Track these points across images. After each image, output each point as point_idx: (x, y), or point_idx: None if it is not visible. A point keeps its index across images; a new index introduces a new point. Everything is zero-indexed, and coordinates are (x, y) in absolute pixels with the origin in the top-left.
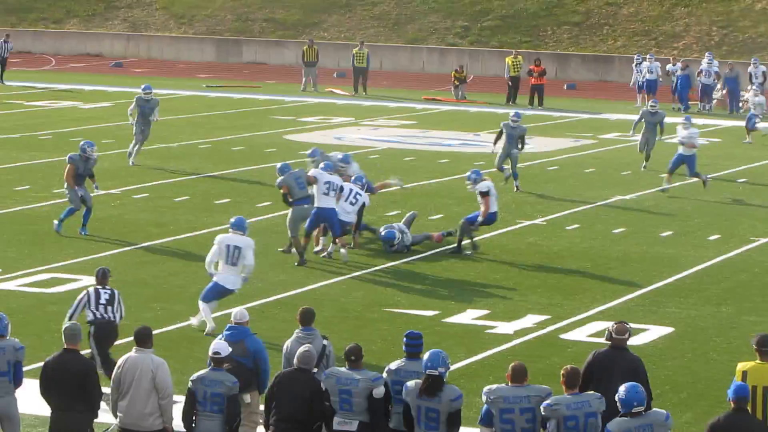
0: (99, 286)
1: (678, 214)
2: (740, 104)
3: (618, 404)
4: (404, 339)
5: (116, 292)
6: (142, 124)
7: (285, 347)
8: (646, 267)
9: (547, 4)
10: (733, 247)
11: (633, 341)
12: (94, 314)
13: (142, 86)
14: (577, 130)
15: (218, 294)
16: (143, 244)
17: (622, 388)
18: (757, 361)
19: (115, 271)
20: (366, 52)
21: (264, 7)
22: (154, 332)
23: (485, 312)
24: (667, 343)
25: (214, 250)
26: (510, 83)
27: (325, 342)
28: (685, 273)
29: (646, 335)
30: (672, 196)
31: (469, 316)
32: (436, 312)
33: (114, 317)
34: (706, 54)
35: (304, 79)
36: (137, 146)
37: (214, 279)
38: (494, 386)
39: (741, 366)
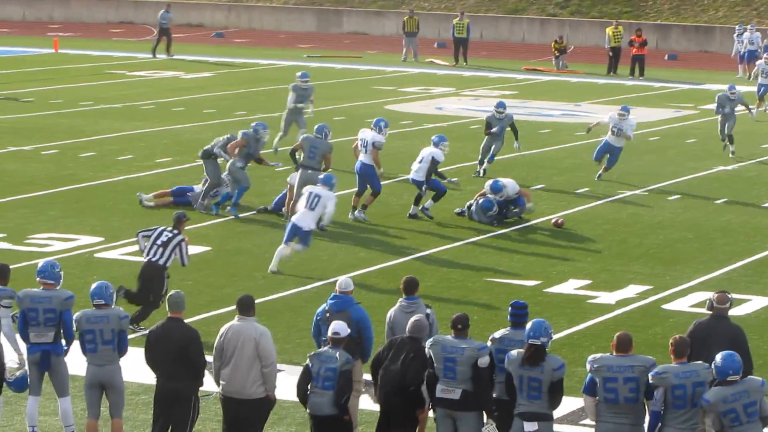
0: (168, 227)
1: None
2: None
3: (714, 372)
4: (509, 308)
5: (179, 238)
6: (294, 114)
7: (389, 316)
8: (749, 237)
9: None
10: None
11: (735, 311)
12: (147, 252)
13: (299, 74)
14: (678, 101)
15: (292, 232)
16: (246, 214)
17: (718, 357)
18: None
19: (216, 240)
20: (466, 22)
21: None
22: (257, 301)
23: (587, 282)
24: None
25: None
26: (611, 54)
27: (428, 311)
28: None
29: (748, 306)
30: None
31: (570, 286)
32: (538, 282)
33: (160, 260)
34: None
35: (404, 50)
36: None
37: (291, 220)
38: (599, 355)
39: None
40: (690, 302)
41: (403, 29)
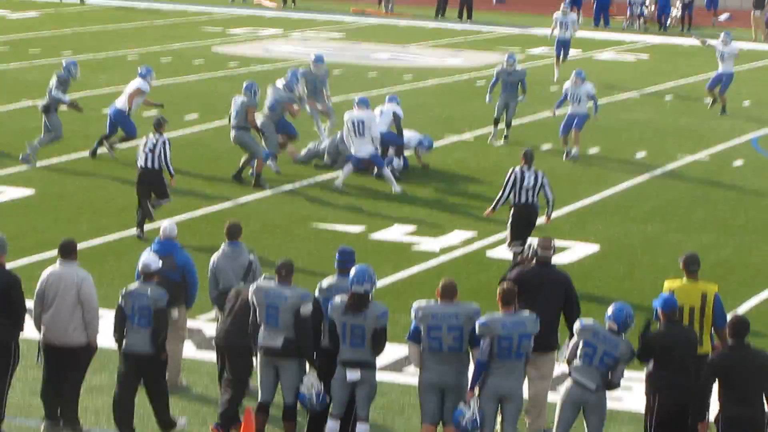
0: (151, 134)
1: (606, 130)
2: (668, 20)
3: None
4: (336, 255)
5: (162, 139)
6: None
7: (212, 262)
8: (573, 184)
9: None
10: (660, 165)
11: (559, 259)
12: (142, 161)
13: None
14: (507, 44)
15: (355, 166)
16: (70, 156)
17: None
18: (684, 280)
19: (40, 183)
20: None
21: None
22: (80, 246)
23: (412, 228)
24: (592, 261)
25: (345, 132)
26: None
27: (251, 257)
28: (611, 191)
29: (571, 253)
30: (601, 114)
31: (396, 232)
32: (363, 227)
33: (154, 165)
34: None
35: None
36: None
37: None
38: (423, 302)
39: (668, 284)
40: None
41: None
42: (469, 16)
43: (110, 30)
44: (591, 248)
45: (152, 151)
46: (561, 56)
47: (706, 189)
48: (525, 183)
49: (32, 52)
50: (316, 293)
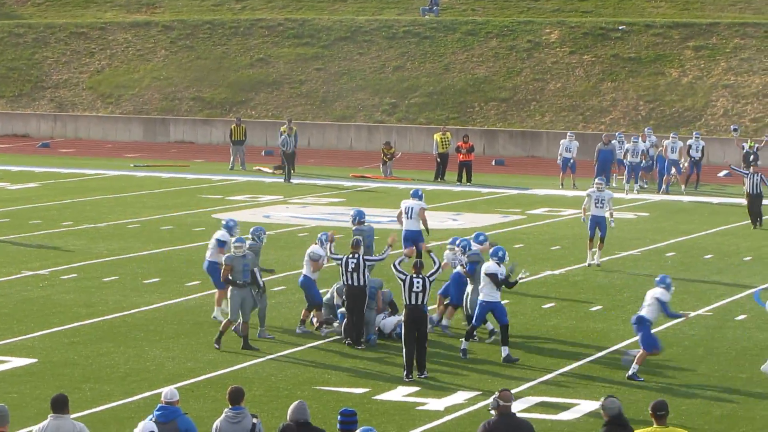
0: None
1: (608, 288)
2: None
3: None
4: (338, 416)
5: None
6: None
7: (214, 427)
8: (577, 341)
9: (474, 81)
10: (663, 321)
11: (564, 416)
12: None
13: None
14: (506, 206)
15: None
16: (72, 325)
17: None
18: (655, 426)
19: (44, 352)
20: (295, 129)
21: (191, 86)
22: (84, 413)
23: (415, 389)
24: (595, 419)
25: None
26: (438, 159)
27: (255, 420)
28: (615, 347)
29: (572, 412)
30: (602, 270)
31: (399, 393)
32: (367, 389)
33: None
34: (646, 129)
35: (232, 158)
36: None
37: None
38: None
39: None
40: (521, 407)
41: (231, 137)
42: (469, 180)
43: (110, 199)
44: (595, 405)
45: (356, 269)
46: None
47: (710, 343)
48: None
49: (32, 223)
50: None
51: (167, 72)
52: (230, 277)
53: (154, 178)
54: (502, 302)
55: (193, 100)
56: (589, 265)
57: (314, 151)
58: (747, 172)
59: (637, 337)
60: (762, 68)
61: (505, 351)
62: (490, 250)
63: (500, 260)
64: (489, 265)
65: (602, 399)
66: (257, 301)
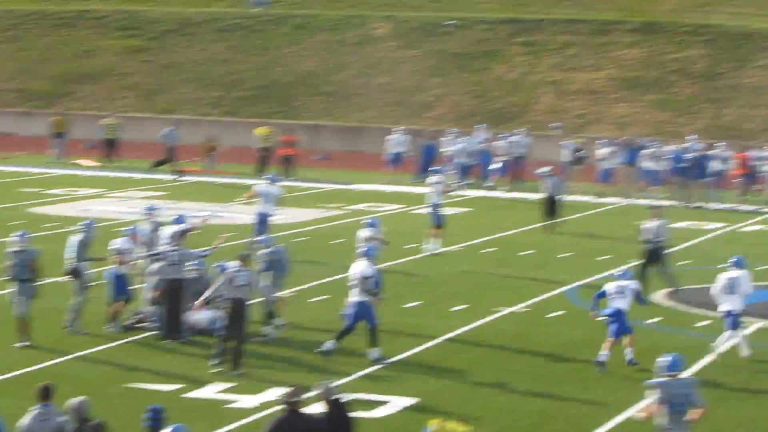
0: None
1: (425, 283)
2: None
3: None
4: (146, 413)
5: None
6: None
7: (22, 424)
8: (392, 337)
9: (301, 75)
10: (478, 317)
11: (376, 412)
12: None
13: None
14: (327, 201)
15: None
16: None
17: None
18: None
19: None
20: (117, 122)
21: (14, 77)
22: None
23: (229, 385)
24: (410, 415)
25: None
26: (262, 154)
27: (63, 418)
28: (430, 343)
29: (390, 406)
30: (421, 265)
31: (211, 390)
32: (178, 386)
33: None
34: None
35: (53, 151)
36: None
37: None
38: None
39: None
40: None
41: (52, 130)
42: (293, 173)
43: None
44: (409, 401)
45: None
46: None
47: (524, 340)
48: None
49: None
50: None
51: None
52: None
53: None
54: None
55: (16, 91)
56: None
57: (138, 143)
58: (548, 173)
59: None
60: (587, 65)
61: (375, 353)
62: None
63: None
64: (364, 269)
65: (323, 385)
66: (77, 293)
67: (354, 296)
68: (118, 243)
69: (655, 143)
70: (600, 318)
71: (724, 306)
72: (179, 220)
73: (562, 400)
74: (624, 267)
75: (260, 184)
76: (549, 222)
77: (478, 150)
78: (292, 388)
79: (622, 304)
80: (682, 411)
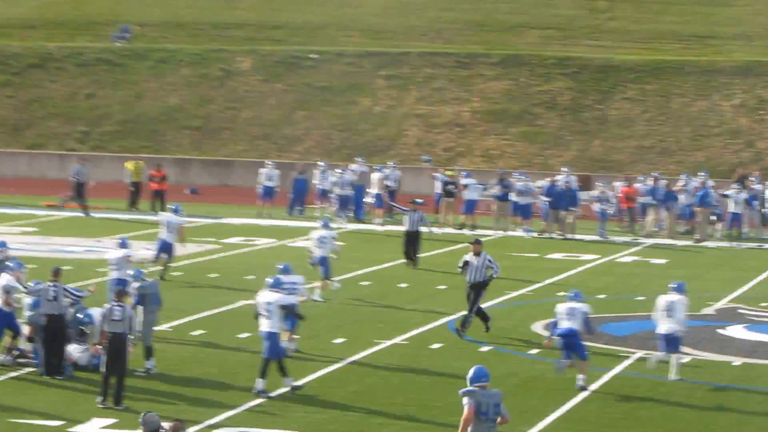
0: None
1: (305, 317)
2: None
3: None
4: None
5: None
6: None
7: None
8: (272, 373)
9: (166, 109)
10: (359, 350)
11: None
12: None
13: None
14: (201, 235)
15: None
16: None
17: None
18: None
19: None
20: None
21: None
22: None
23: (113, 420)
24: None
25: None
26: (132, 188)
27: None
28: (309, 377)
29: None
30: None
31: (95, 425)
32: (62, 422)
33: None
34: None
35: None
36: None
37: None
38: None
39: None
40: None
41: None
42: (162, 208)
43: None
44: None
45: None
46: None
47: (406, 373)
48: None
49: None
50: None
51: None
52: None
53: None
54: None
55: None
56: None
57: (6, 179)
58: (407, 210)
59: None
60: (452, 98)
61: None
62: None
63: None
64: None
65: (142, 414)
66: None
67: (264, 326)
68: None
69: (524, 176)
70: (552, 338)
71: (662, 328)
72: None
73: (448, 430)
74: (576, 290)
75: (165, 214)
76: (410, 257)
77: (351, 183)
78: (172, 423)
79: (573, 325)
80: (490, 418)
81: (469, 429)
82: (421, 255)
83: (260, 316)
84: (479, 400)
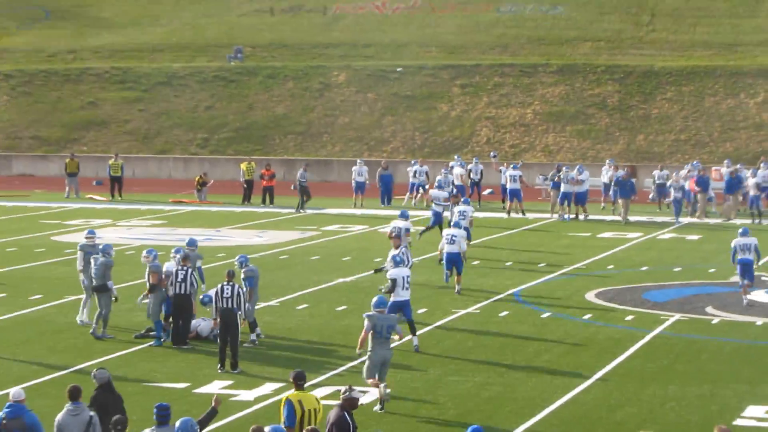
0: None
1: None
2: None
3: None
4: (154, 410)
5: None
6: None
7: (57, 420)
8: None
9: (274, 117)
10: (438, 318)
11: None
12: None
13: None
14: (304, 224)
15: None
16: None
17: None
18: (295, 391)
19: None
20: (120, 162)
21: (30, 126)
22: None
23: (229, 382)
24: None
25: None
26: (245, 186)
27: (91, 413)
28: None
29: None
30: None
31: (215, 387)
32: (187, 384)
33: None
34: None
35: (67, 188)
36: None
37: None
38: None
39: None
40: (321, 394)
41: (66, 170)
42: (271, 202)
43: None
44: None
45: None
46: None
47: (478, 336)
48: None
49: None
50: None
51: (9, 115)
52: None
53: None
54: None
55: (32, 138)
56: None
57: (138, 180)
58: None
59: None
60: (517, 102)
61: (415, 340)
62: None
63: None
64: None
65: (94, 370)
66: (104, 306)
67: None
68: (165, 266)
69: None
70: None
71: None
72: (191, 242)
73: (513, 386)
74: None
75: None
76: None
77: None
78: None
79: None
80: (384, 337)
81: (369, 344)
82: (492, 237)
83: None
84: (375, 322)
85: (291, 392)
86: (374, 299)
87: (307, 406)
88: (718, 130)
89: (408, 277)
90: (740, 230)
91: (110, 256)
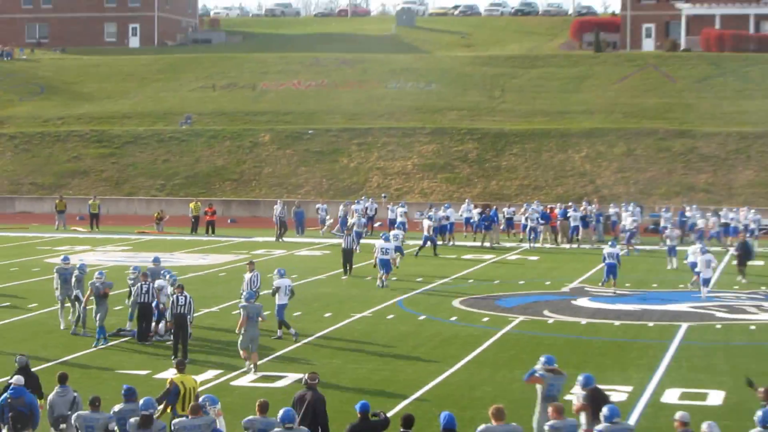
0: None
1: (302, 301)
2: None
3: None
4: (122, 390)
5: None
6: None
7: (48, 399)
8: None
9: (215, 168)
10: (341, 320)
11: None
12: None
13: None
14: (237, 249)
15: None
16: None
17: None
18: (177, 374)
19: None
20: (98, 202)
21: (29, 174)
22: None
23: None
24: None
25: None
26: (193, 220)
27: (75, 394)
28: (307, 339)
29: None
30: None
31: (171, 373)
32: (149, 371)
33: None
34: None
35: (57, 222)
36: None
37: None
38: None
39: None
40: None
41: (56, 208)
42: (213, 232)
43: None
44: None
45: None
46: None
47: (371, 334)
48: None
49: None
50: (111, 413)
51: (13, 166)
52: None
53: (3, 237)
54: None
55: (30, 184)
56: None
57: (112, 216)
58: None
59: None
60: (400, 156)
61: (293, 330)
62: None
63: None
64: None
65: (17, 355)
66: (79, 312)
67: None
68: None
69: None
70: None
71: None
72: (156, 259)
73: (398, 370)
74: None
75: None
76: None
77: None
78: (311, 373)
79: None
80: (254, 320)
81: (243, 329)
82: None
83: None
84: (249, 310)
85: (175, 375)
86: (246, 293)
87: (189, 386)
88: (552, 177)
89: (289, 286)
90: (609, 243)
91: (84, 273)
